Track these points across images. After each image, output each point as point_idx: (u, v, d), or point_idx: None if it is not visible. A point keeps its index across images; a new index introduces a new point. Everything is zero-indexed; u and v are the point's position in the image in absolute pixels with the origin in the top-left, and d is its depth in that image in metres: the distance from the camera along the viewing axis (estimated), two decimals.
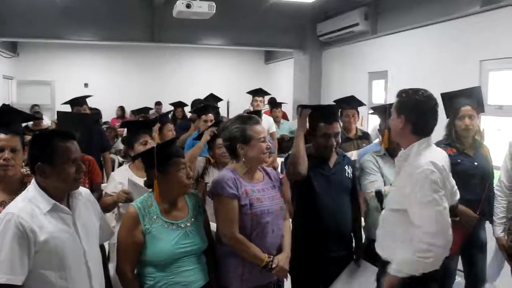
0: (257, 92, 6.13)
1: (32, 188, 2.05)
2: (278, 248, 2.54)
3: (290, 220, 2.74)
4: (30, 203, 1.98)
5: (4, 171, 2.32)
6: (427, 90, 2.42)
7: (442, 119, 3.53)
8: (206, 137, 3.89)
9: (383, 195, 2.62)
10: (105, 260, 2.46)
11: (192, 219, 2.38)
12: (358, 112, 4.60)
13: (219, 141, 3.53)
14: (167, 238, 2.28)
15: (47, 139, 2.05)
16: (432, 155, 2.30)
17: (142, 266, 2.32)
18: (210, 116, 4.91)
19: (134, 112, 8.83)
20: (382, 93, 7.28)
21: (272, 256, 2.46)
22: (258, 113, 5.11)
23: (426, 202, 2.19)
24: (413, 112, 2.33)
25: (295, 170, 2.76)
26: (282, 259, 2.48)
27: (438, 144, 3.37)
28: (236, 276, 2.46)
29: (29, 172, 2.27)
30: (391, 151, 3.03)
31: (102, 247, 2.41)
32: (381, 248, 2.45)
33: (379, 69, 7.32)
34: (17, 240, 1.89)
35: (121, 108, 11.25)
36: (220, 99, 6.58)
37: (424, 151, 2.31)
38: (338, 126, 2.94)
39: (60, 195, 2.06)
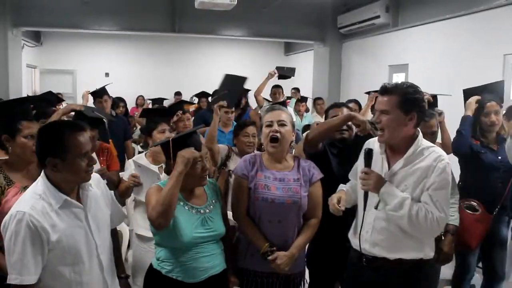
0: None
1: (42, 182, 1.99)
2: (287, 242, 2.47)
3: (315, 221, 2.57)
4: (41, 200, 1.93)
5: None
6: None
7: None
8: (217, 111, 3.95)
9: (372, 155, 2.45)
10: (118, 245, 2.47)
11: (211, 206, 2.41)
12: None
13: (248, 129, 3.59)
14: (188, 221, 2.30)
15: (57, 132, 1.99)
16: (438, 149, 2.32)
17: (161, 251, 2.35)
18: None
19: (153, 100, 8.94)
20: None
21: (274, 248, 2.42)
22: (282, 103, 5.14)
23: (445, 185, 2.21)
24: (424, 106, 2.31)
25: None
26: (282, 258, 2.43)
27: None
28: (251, 255, 2.49)
29: None
30: None
31: (115, 232, 2.41)
32: (387, 251, 2.33)
33: (400, 62, 7.26)
34: (29, 240, 1.86)
35: (142, 97, 11.36)
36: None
37: (426, 143, 2.30)
38: None
39: (71, 188, 2.02)
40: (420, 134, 2.32)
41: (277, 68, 6.41)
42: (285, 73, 6.53)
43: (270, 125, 2.50)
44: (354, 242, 2.46)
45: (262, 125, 2.58)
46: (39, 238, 1.87)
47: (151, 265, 2.40)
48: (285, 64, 11.95)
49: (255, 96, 6.25)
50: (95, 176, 2.21)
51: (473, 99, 3.47)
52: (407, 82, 2.32)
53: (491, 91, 3.52)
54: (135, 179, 3.07)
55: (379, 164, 2.37)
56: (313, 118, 7.35)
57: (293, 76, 6.63)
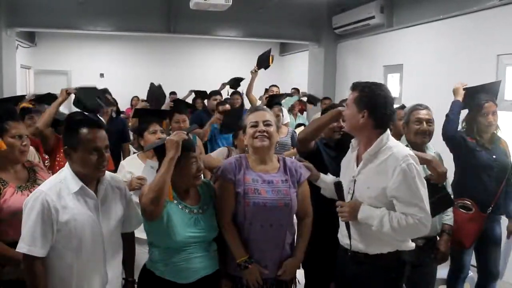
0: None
1: (65, 169, 2.17)
2: (279, 245, 2.45)
3: (309, 220, 2.58)
4: (60, 183, 2.11)
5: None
6: (382, 84, 2.42)
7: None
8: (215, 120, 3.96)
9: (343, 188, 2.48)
10: (132, 248, 2.51)
11: (204, 207, 2.41)
12: None
13: None
14: (182, 219, 2.30)
15: (75, 125, 2.15)
16: (404, 149, 2.34)
17: (154, 252, 2.35)
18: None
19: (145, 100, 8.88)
20: (397, 87, 7.24)
21: (251, 263, 2.38)
22: (274, 98, 5.15)
23: (420, 187, 2.22)
24: (378, 108, 2.31)
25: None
26: (291, 265, 2.46)
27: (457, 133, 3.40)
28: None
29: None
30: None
31: (132, 235, 2.49)
32: (365, 245, 2.36)
33: (395, 62, 7.27)
34: (41, 216, 2.02)
35: (136, 98, 11.32)
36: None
37: (393, 144, 2.32)
38: None
39: (87, 179, 2.15)
40: (384, 136, 2.32)
41: (257, 63, 6.29)
42: (263, 59, 6.30)
43: (255, 125, 2.46)
44: (339, 237, 2.52)
45: (245, 126, 2.53)
46: (50, 216, 2.03)
47: (144, 265, 2.41)
48: (279, 65, 11.97)
49: (247, 96, 6.25)
50: (115, 177, 2.37)
51: (460, 84, 3.57)
52: (374, 83, 2.38)
53: (489, 91, 3.54)
54: (142, 181, 2.94)
55: (352, 162, 2.45)
56: (306, 118, 7.33)
57: (270, 54, 6.36)
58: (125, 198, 2.36)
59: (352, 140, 2.52)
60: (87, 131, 2.11)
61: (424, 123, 3.05)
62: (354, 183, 2.38)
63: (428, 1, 6.42)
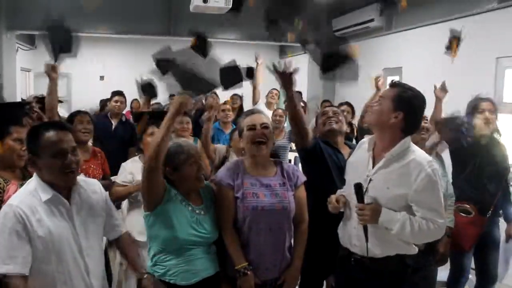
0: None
1: (33, 179, 2.04)
2: (279, 248, 2.45)
3: (305, 226, 2.57)
4: (30, 195, 1.97)
5: None
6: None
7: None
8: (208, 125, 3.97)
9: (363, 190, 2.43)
10: (130, 248, 2.45)
11: (206, 209, 2.42)
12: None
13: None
14: (185, 217, 2.31)
15: (36, 130, 2.02)
16: (425, 154, 2.33)
17: (154, 253, 2.35)
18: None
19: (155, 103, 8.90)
20: None
21: (250, 268, 2.37)
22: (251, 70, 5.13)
23: (432, 189, 2.22)
24: (414, 113, 2.29)
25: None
26: (290, 276, 2.47)
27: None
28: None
29: None
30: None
31: (125, 237, 2.41)
32: (381, 249, 2.34)
33: (394, 65, 7.29)
34: (15, 231, 1.87)
35: (136, 101, 11.32)
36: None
37: (414, 148, 2.31)
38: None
39: (57, 187, 2.02)
40: (408, 139, 2.30)
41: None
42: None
43: (253, 128, 2.45)
44: (342, 239, 2.49)
45: (242, 130, 2.52)
46: (25, 230, 1.88)
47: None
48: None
49: (254, 88, 6.12)
50: (93, 182, 2.23)
51: None
52: (414, 89, 2.34)
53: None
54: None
55: (365, 160, 2.39)
56: None
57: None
58: (105, 203, 2.24)
59: (365, 140, 2.49)
60: (49, 134, 1.97)
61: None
62: (369, 182, 2.34)
63: (427, 4, 6.44)
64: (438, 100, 3.89)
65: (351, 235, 2.42)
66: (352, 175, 2.48)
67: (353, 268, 2.41)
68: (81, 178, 2.19)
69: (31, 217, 1.91)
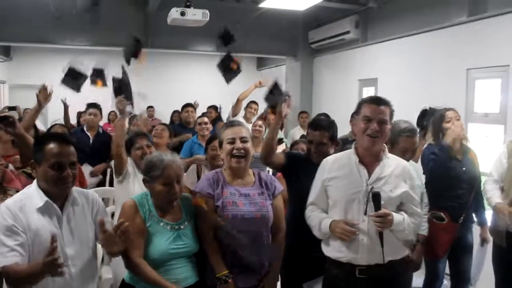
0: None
1: (33, 184, 2.14)
2: (260, 258, 2.50)
3: (281, 235, 2.63)
4: (25, 199, 2.07)
5: None
6: None
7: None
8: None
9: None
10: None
11: (186, 222, 2.43)
12: None
13: (215, 143, 3.61)
14: (162, 237, 2.33)
15: (42, 139, 2.15)
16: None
17: None
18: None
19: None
20: None
21: (231, 277, 2.40)
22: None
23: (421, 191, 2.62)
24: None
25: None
26: (269, 284, 2.52)
27: (428, 149, 3.49)
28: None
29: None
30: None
31: None
32: (392, 255, 2.42)
33: (369, 76, 7.42)
34: (4, 231, 1.96)
35: (114, 113, 11.23)
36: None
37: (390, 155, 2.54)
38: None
39: (52, 195, 2.09)
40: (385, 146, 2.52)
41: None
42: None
43: (232, 142, 2.50)
44: (345, 256, 2.44)
45: (222, 141, 2.57)
46: (15, 230, 1.97)
47: (123, 280, 2.41)
48: (256, 78, 12.03)
49: (238, 100, 6.14)
50: (90, 193, 2.29)
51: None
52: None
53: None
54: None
55: (355, 172, 2.45)
56: (296, 131, 7.35)
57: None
58: (97, 215, 2.26)
59: (348, 151, 2.53)
60: (51, 146, 2.07)
61: None
62: (370, 190, 2.39)
63: (401, 17, 6.60)
64: None
65: (358, 249, 2.40)
66: (342, 187, 2.47)
67: (359, 280, 2.41)
68: (77, 189, 2.25)
69: (23, 219, 2.00)
